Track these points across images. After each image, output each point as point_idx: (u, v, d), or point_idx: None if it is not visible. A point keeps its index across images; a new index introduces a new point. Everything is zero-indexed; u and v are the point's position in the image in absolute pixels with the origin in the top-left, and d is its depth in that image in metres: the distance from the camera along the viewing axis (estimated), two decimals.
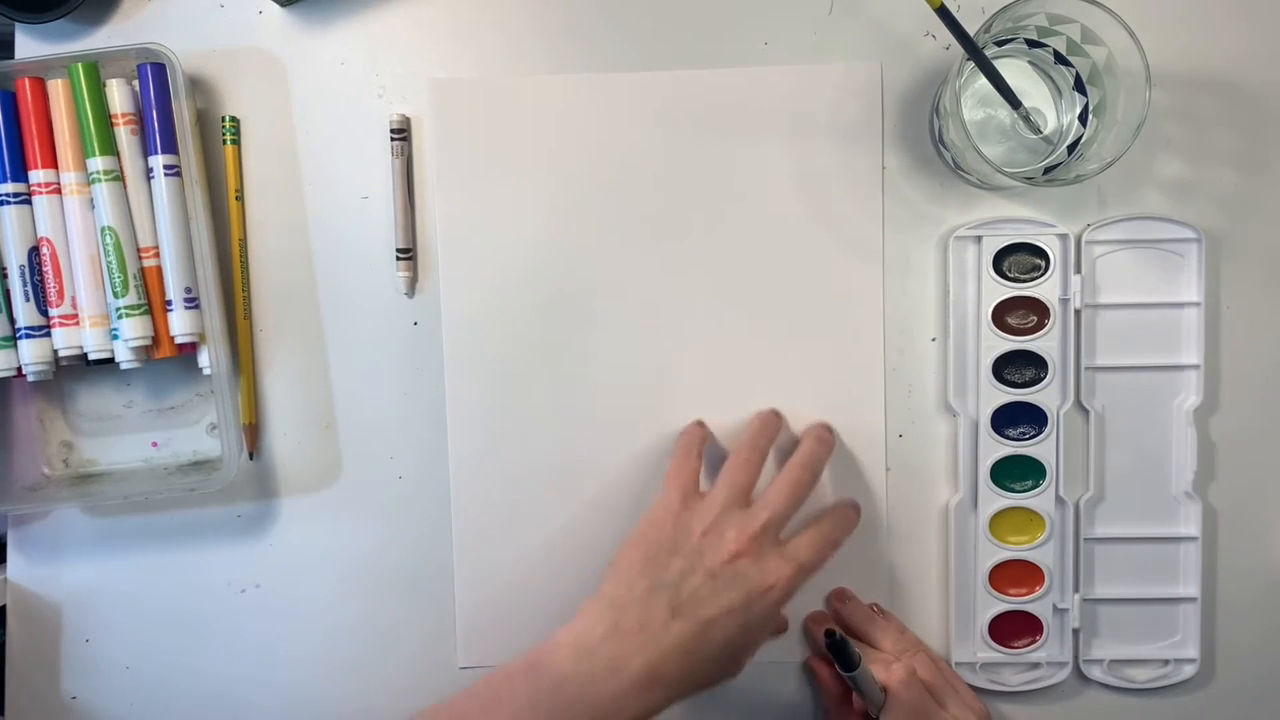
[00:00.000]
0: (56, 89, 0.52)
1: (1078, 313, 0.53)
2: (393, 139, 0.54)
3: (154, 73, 0.52)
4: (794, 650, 0.56)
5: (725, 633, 0.46)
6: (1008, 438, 0.53)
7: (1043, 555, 0.54)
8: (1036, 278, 0.53)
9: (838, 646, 0.47)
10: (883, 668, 0.50)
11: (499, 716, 0.44)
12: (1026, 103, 0.50)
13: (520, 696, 0.45)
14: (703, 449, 0.52)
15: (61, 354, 0.52)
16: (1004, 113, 0.50)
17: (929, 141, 0.54)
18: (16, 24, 0.54)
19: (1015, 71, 0.51)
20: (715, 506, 0.48)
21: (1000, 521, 0.54)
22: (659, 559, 0.47)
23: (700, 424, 0.54)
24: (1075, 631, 0.54)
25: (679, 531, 0.48)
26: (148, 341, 0.52)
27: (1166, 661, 0.54)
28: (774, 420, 0.53)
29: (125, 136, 0.52)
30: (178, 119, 0.51)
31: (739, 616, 0.46)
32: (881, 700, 0.49)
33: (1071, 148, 0.50)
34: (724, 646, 0.46)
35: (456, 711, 0.45)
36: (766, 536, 0.48)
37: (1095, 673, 0.54)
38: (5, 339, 0.52)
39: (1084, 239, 0.53)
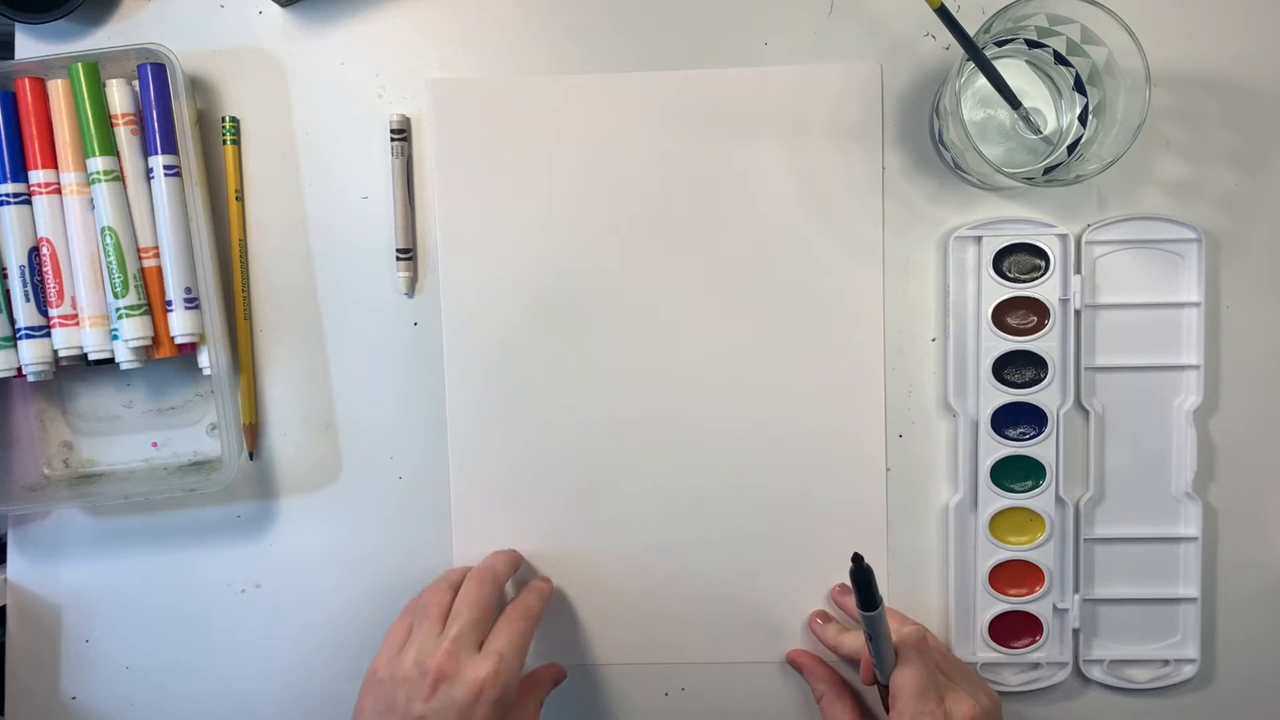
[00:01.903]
0: (56, 89, 0.52)
1: (1078, 313, 0.53)
2: (393, 139, 0.54)
3: (154, 73, 0.52)
4: (778, 649, 0.55)
5: None
6: (1008, 438, 0.53)
7: (1043, 555, 0.54)
8: (1036, 278, 0.53)
9: (864, 576, 0.44)
10: (893, 631, 0.48)
11: None
12: (1026, 103, 0.50)
13: None
14: (412, 616, 0.51)
15: (61, 354, 0.52)
16: (1004, 113, 0.50)
17: (929, 141, 0.54)
18: (16, 24, 0.54)
19: (1015, 71, 0.51)
20: (411, 647, 0.48)
21: (1000, 521, 0.54)
22: None
23: (406, 613, 0.52)
24: (1075, 631, 0.54)
25: (388, 690, 0.47)
26: (148, 341, 0.52)
27: (1166, 661, 0.54)
28: (455, 574, 0.52)
29: (125, 136, 0.52)
30: (178, 119, 0.51)
31: None
32: (893, 660, 0.47)
33: (1071, 148, 0.50)
34: None
35: None
36: (462, 645, 0.47)
37: (1095, 673, 0.54)
38: (5, 339, 0.52)
39: (1084, 239, 0.53)
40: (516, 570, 0.54)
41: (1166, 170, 0.53)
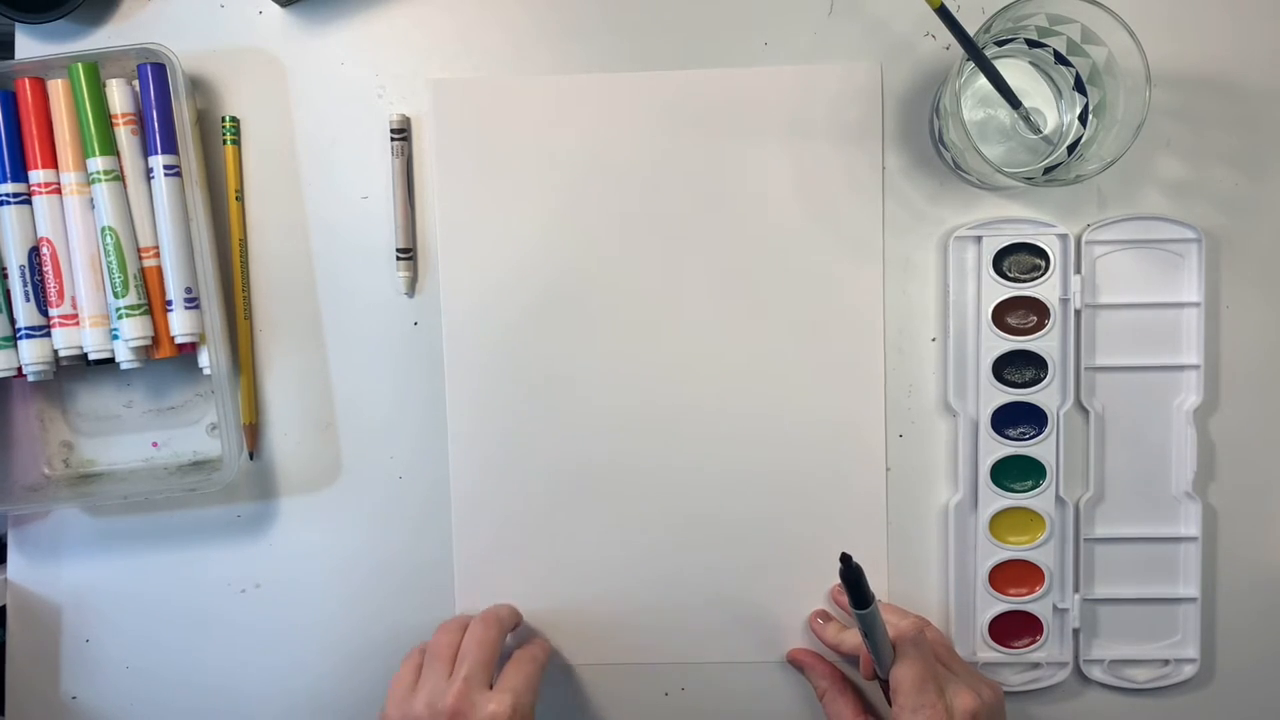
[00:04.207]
0: (56, 89, 0.52)
1: (1078, 313, 0.53)
2: (393, 139, 0.54)
3: (154, 73, 0.52)
4: (778, 649, 0.55)
5: None
6: (1008, 438, 0.53)
7: (1043, 555, 0.54)
8: (1036, 278, 0.53)
9: (854, 575, 0.44)
10: (891, 626, 0.48)
11: None
12: (1026, 103, 0.50)
13: None
14: (420, 661, 0.51)
15: (61, 354, 0.52)
16: (1004, 113, 0.50)
17: (929, 141, 0.54)
18: (16, 24, 0.54)
19: (1015, 71, 0.51)
20: (422, 690, 0.48)
21: (1000, 521, 0.54)
22: None
23: (417, 651, 0.52)
24: (1075, 631, 0.54)
25: None
26: (148, 341, 0.52)
27: (1166, 661, 0.54)
28: (461, 620, 0.52)
29: (125, 136, 0.52)
30: (178, 119, 0.51)
31: None
32: (891, 655, 0.47)
33: (1071, 148, 0.50)
34: None
35: None
36: (473, 685, 0.48)
37: (1095, 673, 0.54)
38: (5, 339, 0.52)
39: (1084, 239, 0.53)
40: (518, 622, 0.54)
41: (1166, 170, 0.53)
